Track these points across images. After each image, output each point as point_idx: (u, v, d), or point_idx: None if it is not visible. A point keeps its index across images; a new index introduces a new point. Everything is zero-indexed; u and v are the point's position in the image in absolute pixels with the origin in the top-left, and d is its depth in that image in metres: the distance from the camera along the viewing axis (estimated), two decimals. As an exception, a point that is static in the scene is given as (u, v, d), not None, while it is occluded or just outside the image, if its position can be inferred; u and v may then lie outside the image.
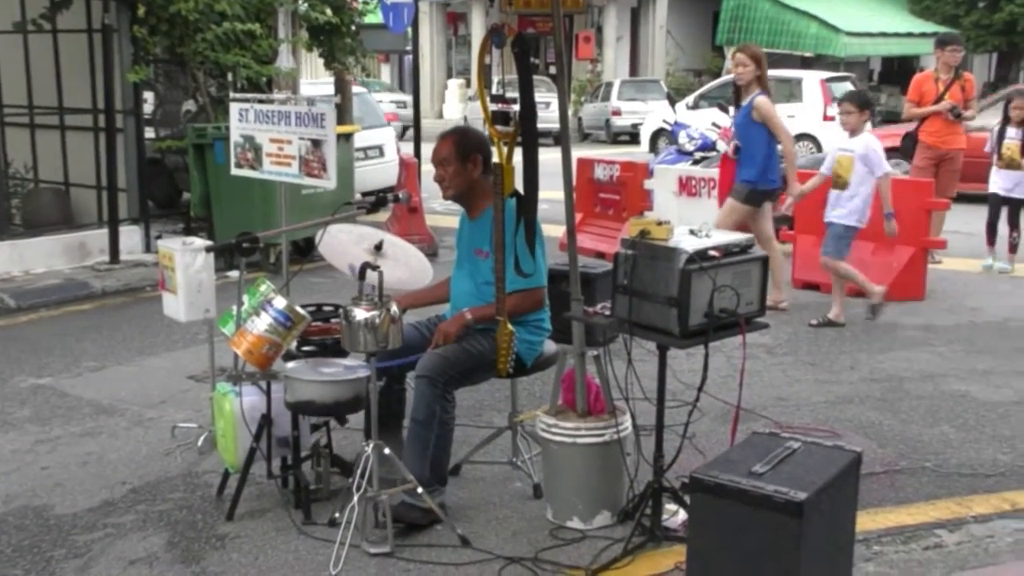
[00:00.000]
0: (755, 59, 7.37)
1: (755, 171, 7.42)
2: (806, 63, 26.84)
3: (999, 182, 9.07)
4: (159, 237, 8.56)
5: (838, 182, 7.18)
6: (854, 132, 7.16)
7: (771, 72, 20.23)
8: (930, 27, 27.75)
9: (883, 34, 28.60)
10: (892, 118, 27.39)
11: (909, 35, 28.55)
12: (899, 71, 29.84)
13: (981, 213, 9.36)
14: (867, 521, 4.04)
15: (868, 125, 7.36)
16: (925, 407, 5.58)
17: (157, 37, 9.87)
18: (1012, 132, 8.91)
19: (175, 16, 9.62)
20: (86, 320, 7.92)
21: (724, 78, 23.42)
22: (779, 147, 7.50)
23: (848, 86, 19.56)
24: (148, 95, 11.22)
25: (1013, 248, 9.05)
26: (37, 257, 9.24)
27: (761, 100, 7.33)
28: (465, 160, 4.30)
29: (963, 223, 10.87)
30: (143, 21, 9.60)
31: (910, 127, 9.74)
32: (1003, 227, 9.14)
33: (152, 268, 8.89)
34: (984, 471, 4.68)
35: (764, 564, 2.97)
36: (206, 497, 4.48)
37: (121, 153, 9.69)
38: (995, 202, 9.14)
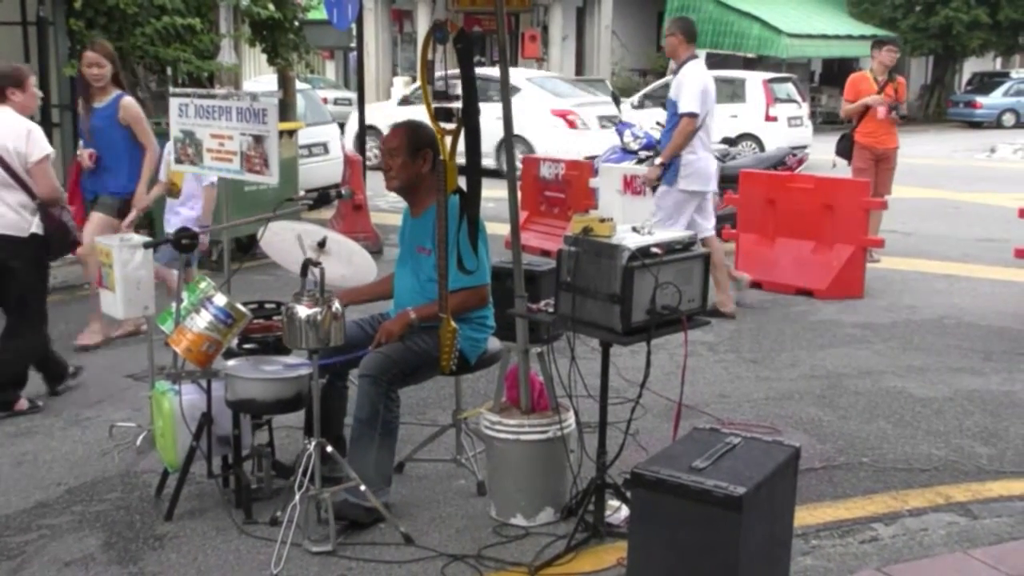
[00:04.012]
0: (110, 58, 6.64)
1: (125, 179, 6.67)
2: (748, 64, 27.15)
3: None
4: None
5: (172, 191, 6.89)
6: None
7: (715, 72, 20.53)
8: (869, 30, 28.29)
9: (824, 36, 29.06)
10: (832, 119, 27.96)
11: (849, 37, 29.08)
12: (839, 72, 30.32)
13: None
14: (805, 515, 4.10)
15: None
16: (863, 403, 5.68)
17: (95, 31, 9.67)
18: None
19: (113, 9, 9.45)
20: (21, 318, 7.74)
21: (667, 78, 23.60)
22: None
23: (790, 87, 19.88)
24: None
25: None
26: (-30, 254, 9.02)
27: (128, 101, 6.65)
28: (415, 154, 4.28)
29: (900, 223, 11.11)
30: (80, 14, 9.41)
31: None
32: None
33: (90, 265, 8.73)
34: (919, 466, 4.78)
35: (704, 558, 3.00)
36: (144, 497, 4.41)
37: (58, 148, 9.49)
38: None
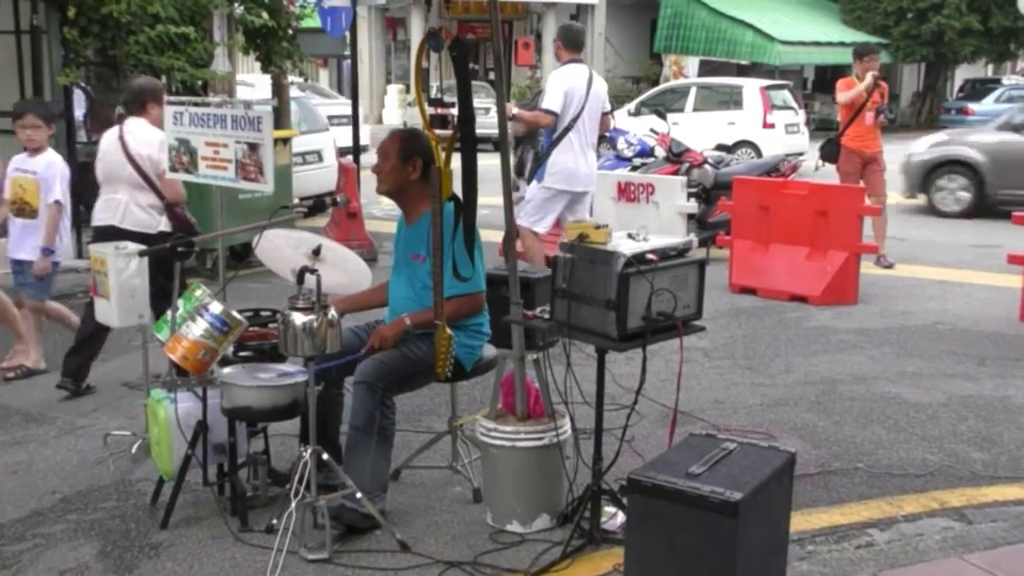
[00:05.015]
0: None
1: None
2: (742, 71, 27.23)
3: None
4: (91, 242, 8.37)
5: (24, 210, 6.17)
6: (38, 150, 6.18)
7: (712, 79, 20.51)
8: (861, 37, 28.34)
9: (816, 43, 29.13)
10: (825, 126, 28.05)
11: (841, 44, 29.10)
12: (832, 79, 30.39)
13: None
14: (801, 521, 4.11)
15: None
16: (858, 409, 5.69)
17: (88, 39, 9.67)
18: None
19: (106, 18, 9.42)
20: (15, 327, 7.72)
21: (663, 85, 23.67)
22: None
23: (786, 94, 19.94)
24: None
25: None
26: (-36, 263, 9.01)
27: None
28: (406, 160, 4.29)
29: (897, 230, 11.13)
30: (73, 23, 9.38)
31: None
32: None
33: (84, 274, 8.68)
34: (914, 471, 4.79)
35: (701, 564, 3.00)
36: (140, 505, 4.41)
37: (52, 157, 9.47)
38: None
